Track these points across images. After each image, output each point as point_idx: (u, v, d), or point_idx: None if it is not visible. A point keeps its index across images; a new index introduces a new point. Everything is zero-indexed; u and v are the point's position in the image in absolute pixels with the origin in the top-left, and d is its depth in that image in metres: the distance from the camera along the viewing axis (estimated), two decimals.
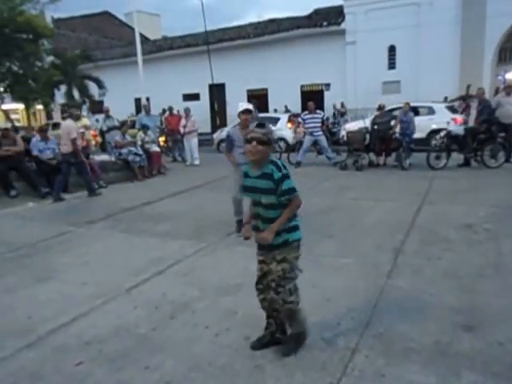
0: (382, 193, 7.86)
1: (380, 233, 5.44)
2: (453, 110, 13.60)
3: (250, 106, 5.44)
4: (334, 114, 17.63)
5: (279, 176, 2.63)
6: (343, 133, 13.05)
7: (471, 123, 10.68)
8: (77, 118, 10.01)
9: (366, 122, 11.19)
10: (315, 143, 11.41)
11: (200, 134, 13.47)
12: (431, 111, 12.90)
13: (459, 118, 12.71)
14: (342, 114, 17.06)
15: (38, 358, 2.98)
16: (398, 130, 10.44)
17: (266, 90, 21.85)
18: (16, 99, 16.76)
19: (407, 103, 10.61)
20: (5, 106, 17.88)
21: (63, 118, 11.87)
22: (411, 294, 3.71)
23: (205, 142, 16.39)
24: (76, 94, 18.86)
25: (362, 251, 4.81)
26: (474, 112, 11.18)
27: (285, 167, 2.71)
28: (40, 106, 18.86)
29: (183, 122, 12.71)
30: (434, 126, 12.46)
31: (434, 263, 4.38)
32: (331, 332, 3.11)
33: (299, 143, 11.91)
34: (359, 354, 2.83)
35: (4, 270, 4.71)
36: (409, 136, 10.39)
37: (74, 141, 8.36)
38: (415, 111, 11.73)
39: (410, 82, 17.81)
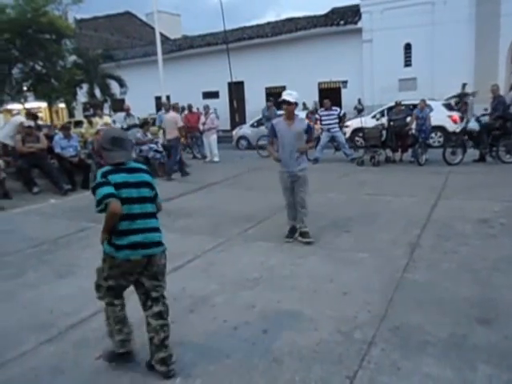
0: (398, 188, 7.83)
1: (396, 227, 5.44)
2: (450, 107, 13.70)
3: (291, 97, 4.82)
4: (358, 111, 17.81)
5: None
6: (345, 130, 13.13)
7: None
8: (99, 117, 10.22)
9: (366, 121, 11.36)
10: (332, 139, 11.41)
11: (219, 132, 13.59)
12: (429, 109, 12.85)
13: (455, 115, 12.65)
14: (360, 111, 17.08)
15: (59, 352, 3.03)
16: (414, 126, 10.43)
17: (284, 87, 21.81)
18: (39, 98, 17.08)
19: (423, 100, 10.68)
20: (28, 105, 18.29)
21: (85, 117, 12.11)
22: (427, 287, 3.72)
23: (224, 139, 16.50)
24: (98, 92, 19.16)
25: (379, 246, 4.82)
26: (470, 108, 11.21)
27: (100, 175, 2.59)
28: (62, 105, 19.19)
29: (202, 119, 12.82)
30: (433, 123, 12.42)
31: (449, 257, 4.37)
32: (348, 325, 3.14)
33: (317, 140, 11.93)
34: (375, 347, 2.85)
35: (26, 266, 4.79)
36: (425, 132, 10.42)
37: (180, 129, 10.35)
38: (415, 109, 11.71)
39: (425, 79, 17.84)
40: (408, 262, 4.28)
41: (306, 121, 5.27)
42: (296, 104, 4.91)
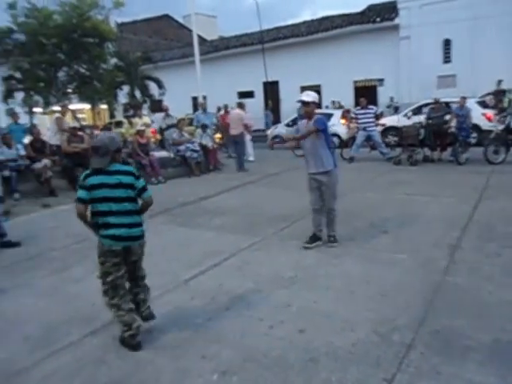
0: (437, 188, 7.63)
1: (436, 228, 5.30)
2: (484, 105, 13.21)
3: (307, 97, 4.68)
4: (395, 109, 17.53)
5: None
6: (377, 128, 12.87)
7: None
8: (139, 117, 10.50)
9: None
10: (368, 138, 11.25)
11: (254, 131, 13.64)
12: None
13: (490, 113, 12.18)
14: (396, 109, 16.76)
15: (102, 344, 3.14)
16: (453, 124, 10.12)
17: (320, 86, 21.68)
18: (83, 99, 17.73)
19: (463, 97, 10.36)
20: (72, 106, 19.01)
21: (126, 117, 12.50)
22: (468, 290, 3.62)
23: (259, 138, 16.56)
24: (137, 93, 19.67)
25: (418, 247, 4.72)
26: None
27: (82, 177, 3.02)
28: (104, 106, 19.84)
29: None
30: None
31: (492, 260, 4.24)
32: (386, 327, 3.09)
33: (352, 139, 11.80)
34: (414, 351, 2.80)
35: (71, 261, 4.99)
36: (465, 130, 10.08)
37: (245, 125, 11.31)
38: (447, 106, 11.40)
39: (466, 75, 17.27)
40: (448, 265, 4.17)
41: (318, 116, 4.87)
42: (314, 103, 4.72)
